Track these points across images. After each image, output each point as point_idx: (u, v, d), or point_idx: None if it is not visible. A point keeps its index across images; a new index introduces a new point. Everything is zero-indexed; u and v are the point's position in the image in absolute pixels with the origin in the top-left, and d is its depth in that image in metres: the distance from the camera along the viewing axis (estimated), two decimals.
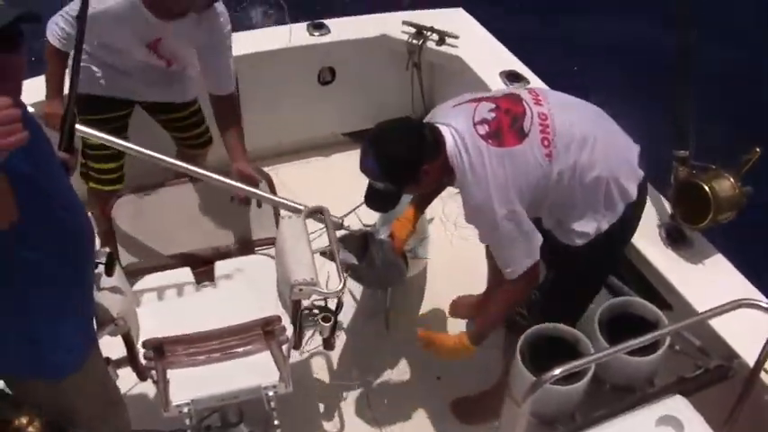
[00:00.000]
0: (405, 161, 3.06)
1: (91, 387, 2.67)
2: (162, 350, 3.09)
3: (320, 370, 3.97)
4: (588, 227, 3.14)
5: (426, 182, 3.13)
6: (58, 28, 3.71)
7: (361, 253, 3.66)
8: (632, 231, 3.30)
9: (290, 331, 3.19)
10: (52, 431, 1.09)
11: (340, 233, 3.70)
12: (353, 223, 4.45)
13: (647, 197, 3.28)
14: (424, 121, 3.26)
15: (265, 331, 2.82)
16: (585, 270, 3.33)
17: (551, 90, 3.48)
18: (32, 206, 2.16)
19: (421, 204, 3.68)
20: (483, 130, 3.01)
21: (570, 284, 3.36)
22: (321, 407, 3.83)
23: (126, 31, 3.74)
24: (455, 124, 3.05)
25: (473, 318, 3.65)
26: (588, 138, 3.07)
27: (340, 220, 3.72)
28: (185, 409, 3.03)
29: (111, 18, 3.61)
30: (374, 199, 3.22)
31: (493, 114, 3.05)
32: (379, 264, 3.70)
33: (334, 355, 4.00)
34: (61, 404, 2.56)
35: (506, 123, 3.02)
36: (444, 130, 3.05)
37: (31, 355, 2.44)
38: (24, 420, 1.06)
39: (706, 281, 3.33)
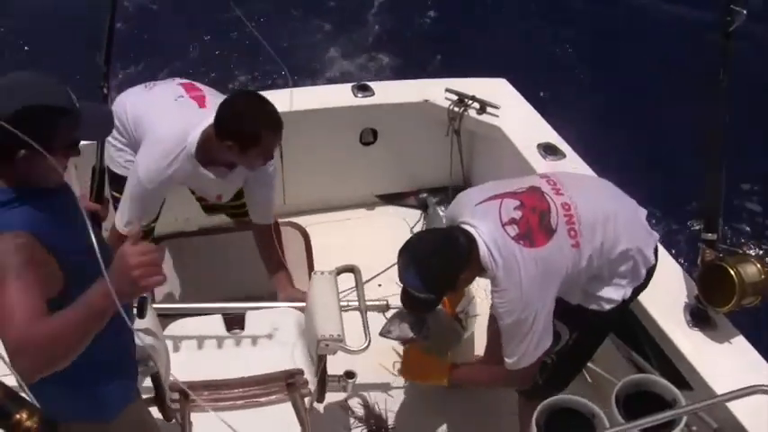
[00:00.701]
0: (446, 276, 3.14)
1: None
2: (187, 393, 3.17)
3: (340, 423, 3.98)
4: (616, 294, 3.26)
5: (463, 286, 3.26)
6: (125, 226, 3.71)
7: (416, 325, 3.70)
8: (644, 289, 3.40)
9: (313, 384, 3.25)
10: (50, 428, 1.16)
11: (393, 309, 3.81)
12: (385, 281, 4.55)
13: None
14: (445, 214, 3.36)
15: (288, 383, 2.88)
16: (605, 331, 3.48)
17: (563, 173, 3.57)
18: (73, 272, 2.35)
19: None
20: (513, 231, 3.08)
21: (590, 344, 3.47)
22: None
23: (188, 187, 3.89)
24: (484, 227, 3.10)
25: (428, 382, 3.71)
26: (609, 215, 3.19)
27: (385, 302, 3.79)
28: None
29: (174, 182, 3.70)
30: (413, 305, 3.30)
31: (519, 213, 3.11)
32: (437, 332, 3.76)
33: (355, 407, 4.03)
34: None
35: (535, 222, 3.10)
36: (475, 234, 3.10)
37: (73, 399, 2.57)
38: (24, 415, 1.13)
39: (727, 363, 3.32)
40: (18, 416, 1.16)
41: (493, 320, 3.50)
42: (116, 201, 3.75)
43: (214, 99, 3.73)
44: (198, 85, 3.94)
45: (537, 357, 3.17)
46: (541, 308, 3.10)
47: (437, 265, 3.09)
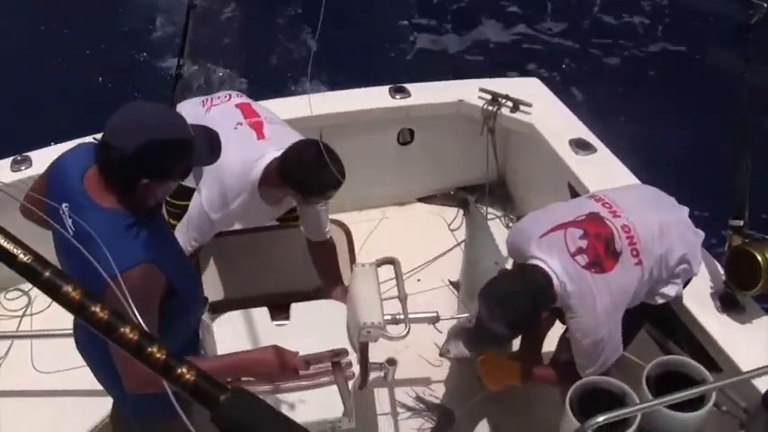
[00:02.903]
0: (529, 319, 3.33)
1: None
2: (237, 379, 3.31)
3: (381, 408, 4.14)
4: (671, 291, 3.45)
5: (539, 322, 3.45)
6: (190, 247, 3.77)
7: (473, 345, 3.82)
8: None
9: (356, 369, 3.39)
10: (203, 377, 1.31)
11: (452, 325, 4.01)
12: (425, 276, 4.68)
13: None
14: (508, 245, 3.55)
15: (333, 363, 3.01)
16: (648, 319, 3.63)
17: (613, 190, 3.67)
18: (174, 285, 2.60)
19: None
20: (583, 260, 3.22)
21: (634, 332, 3.58)
22: None
23: (246, 221, 4.01)
24: (555, 261, 3.23)
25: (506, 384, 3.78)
26: (663, 227, 3.36)
27: (435, 313, 3.88)
28: None
29: (235, 216, 3.81)
30: (494, 341, 3.55)
31: (585, 242, 3.25)
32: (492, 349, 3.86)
33: (397, 394, 4.19)
34: None
35: (601, 249, 3.24)
36: (548, 270, 3.22)
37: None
38: (185, 369, 1.27)
39: (756, 345, 3.43)
40: (179, 370, 1.30)
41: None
42: (169, 206, 3.91)
43: (271, 127, 3.82)
44: (254, 106, 3.99)
45: (608, 367, 3.33)
46: (614, 327, 3.26)
47: (520, 310, 3.24)
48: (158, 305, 2.51)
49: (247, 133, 3.77)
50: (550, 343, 3.78)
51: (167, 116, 2.63)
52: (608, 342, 3.25)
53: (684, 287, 3.51)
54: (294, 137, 3.73)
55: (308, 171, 3.51)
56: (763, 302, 3.64)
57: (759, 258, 3.40)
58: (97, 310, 1.18)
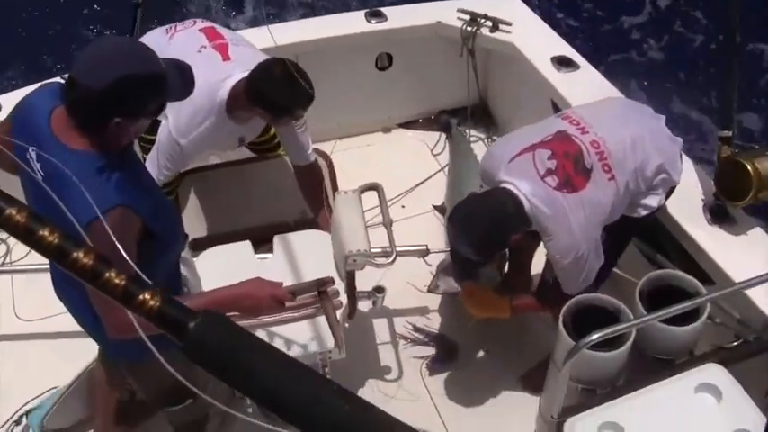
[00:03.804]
0: (497, 241, 3.27)
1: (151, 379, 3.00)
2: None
3: (372, 338, 4.11)
4: (653, 202, 3.37)
5: (511, 245, 3.37)
6: (159, 181, 3.66)
7: (462, 278, 3.82)
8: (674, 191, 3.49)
9: (343, 299, 3.32)
10: (170, 303, 1.20)
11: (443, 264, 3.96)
12: (410, 202, 4.62)
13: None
14: (481, 171, 3.43)
15: (319, 292, 2.96)
16: (635, 233, 3.60)
17: (582, 106, 3.59)
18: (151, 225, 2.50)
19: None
20: (553, 182, 3.14)
21: (622, 244, 3.56)
22: (373, 373, 3.96)
23: (217, 144, 3.87)
24: (525, 184, 3.16)
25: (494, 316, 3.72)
26: (636, 139, 3.28)
27: (425, 247, 3.84)
28: None
29: (205, 141, 3.67)
30: (465, 267, 3.58)
31: (554, 162, 3.17)
32: (482, 283, 3.84)
33: (387, 323, 4.16)
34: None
35: (571, 168, 3.17)
36: (518, 194, 3.16)
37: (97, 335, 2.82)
38: (148, 295, 1.18)
39: (747, 256, 3.39)
40: (142, 296, 1.20)
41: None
42: (143, 141, 3.79)
43: (237, 49, 3.73)
44: (218, 29, 3.89)
45: (593, 279, 3.28)
46: (593, 242, 3.20)
47: (487, 233, 3.19)
48: (135, 249, 2.42)
49: (212, 55, 3.68)
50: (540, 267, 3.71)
51: (136, 51, 2.50)
52: (588, 259, 3.20)
53: (668, 197, 3.44)
54: (261, 57, 3.63)
55: (277, 88, 3.43)
56: (753, 213, 3.58)
57: (749, 168, 3.34)
58: (45, 233, 1.08)
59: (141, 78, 2.37)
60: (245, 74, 3.52)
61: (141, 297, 1.18)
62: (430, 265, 4.06)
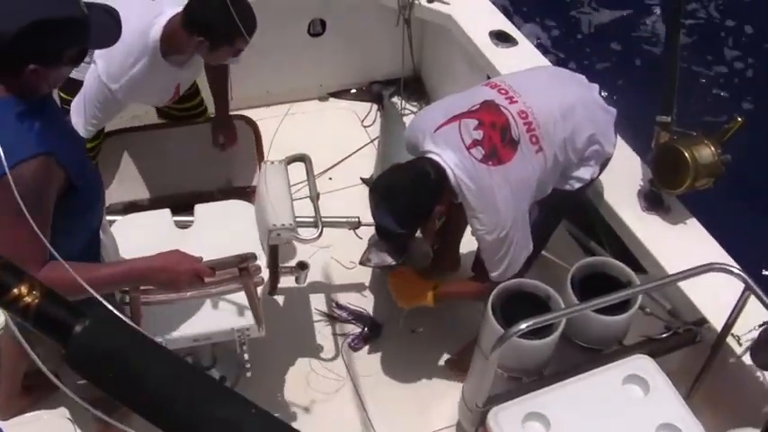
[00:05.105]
0: (418, 212, 3.14)
1: None
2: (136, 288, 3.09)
3: (294, 315, 3.99)
4: (585, 174, 3.27)
5: (437, 216, 3.19)
6: (86, 132, 3.54)
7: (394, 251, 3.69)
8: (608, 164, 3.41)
9: (265, 275, 3.20)
10: (52, 299, 0.97)
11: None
12: (339, 175, 4.50)
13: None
14: (405, 140, 3.33)
15: (240, 269, 2.83)
16: (569, 210, 3.52)
17: (511, 75, 3.50)
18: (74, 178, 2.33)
19: None
20: (479, 153, 3.04)
21: (553, 223, 3.49)
22: (294, 352, 3.85)
23: (152, 90, 3.69)
24: (449, 155, 3.06)
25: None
26: (566, 109, 3.18)
27: (356, 219, 3.78)
28: None
29: (139, 85, 3.48)
30: (388, 240, 3.40)
31: (480, 133, 3.07)
32: (415, 258, 3.76)
33: (309, 300, 4.04)
34: None
35: (497, 139, 3.06)
36: (442, 164, 3.06)
37: None
38: (24, 289, 0.95)
39: (680, 245, 3.34)
40: (18, 290, 0.99)
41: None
42: (64, 102, 3.58)
43: None
44: None
45: (521, 264, 3.18)
46: (519, 220, 3.10)
47: (408, 202, 3.09)
48: (54, 202, 2.25)
49: None
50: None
51: None
52: (515, 239, 3.10)
53: (602, 170, 3.35)
54: None
55: (218, 11, 3.27)
56: (686, 202, 3.53)
57: (686, 155, 3.27)
58: None
59: (58, 23, 2.20)
60: (178, 9, 3.39)
61: (16, 291, 0.98)
62: (361, 239, 3.93)
